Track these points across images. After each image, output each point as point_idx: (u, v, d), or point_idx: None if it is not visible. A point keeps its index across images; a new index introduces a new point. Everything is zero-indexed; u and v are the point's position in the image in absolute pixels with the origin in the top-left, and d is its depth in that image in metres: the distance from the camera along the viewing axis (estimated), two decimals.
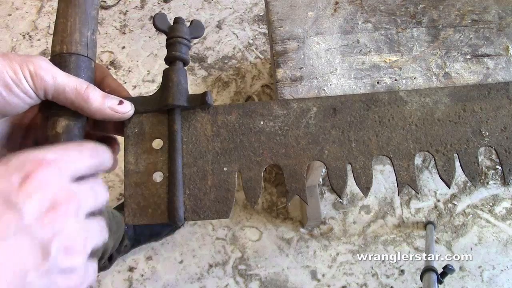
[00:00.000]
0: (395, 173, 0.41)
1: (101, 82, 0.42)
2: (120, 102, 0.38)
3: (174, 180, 0.39)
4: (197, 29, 0.44)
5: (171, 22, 0.43)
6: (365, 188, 0.41)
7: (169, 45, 0.42)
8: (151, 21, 1.60)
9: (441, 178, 0.41)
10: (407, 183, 0.41)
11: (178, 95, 0.40)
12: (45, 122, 0.39)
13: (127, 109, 0.39)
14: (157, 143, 0.41)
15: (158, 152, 0.41)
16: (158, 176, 0.41)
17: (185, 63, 0.42)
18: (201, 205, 0.40)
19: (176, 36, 0.41)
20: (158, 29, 0.42)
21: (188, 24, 0.43)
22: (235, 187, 0.40)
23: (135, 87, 1.53)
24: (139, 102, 0.41)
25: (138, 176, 0.40)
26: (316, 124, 0.42)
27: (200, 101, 0.41)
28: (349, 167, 0.41)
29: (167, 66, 0.42)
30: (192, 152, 0.41)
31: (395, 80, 0.60)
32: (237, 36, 1.60)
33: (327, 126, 0.42)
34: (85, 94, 0.36)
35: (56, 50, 0.39)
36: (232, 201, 0.40)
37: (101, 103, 0.37)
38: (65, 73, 0.36)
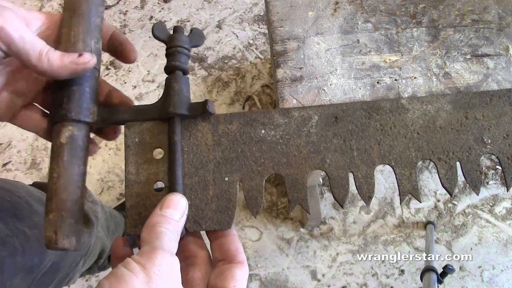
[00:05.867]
0: (397, 182, 0.41)
1: (108, 95, 0.43)
2: (79, 55, 0.38)
3: (175, 190, 0.39)
4: (197, 38, 0.43)
5: (171, 24, 0.43)
6: (367, 197, 0.40)
7: (168, 55, 0.41)
8: (151, 21, 1.61)
9: (443, 186, 0.41)
10: (409, 191, 0.40)
11: (179, 104, 0.40)
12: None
13: (87, 58, 0.38)
14: (158, 153, 0.41)
15: (159, 162, 0.40)
16: (159, 186, 0.40)
17: (185, 73, 0.42)
18: (202, 216, 0.40)
19: (176, 46, 0.41)
20: (158, 39, 0.42)
21: (187, 26, 0.43)
22: (236, 197, 0.40)
23: (135, 87, 1.52)
24: (140, 111, 0.41)
25: (139, 186, 0.40)
26: (317, 132, 0.42)
27: (201, 110, 0.40)
28: (351, 175, 0.41)
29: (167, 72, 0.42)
30: (193, 162, 0.41)
31: (395, 80, 0.60)
32: (237, 36, 1.60)
33: (329, 135, 0.42)
34: (46, 57, 0.36)
35: None
36: (234, 211, 0.40)
37: (61, 60, 0.37)
38: (31, 32, 0.36)
